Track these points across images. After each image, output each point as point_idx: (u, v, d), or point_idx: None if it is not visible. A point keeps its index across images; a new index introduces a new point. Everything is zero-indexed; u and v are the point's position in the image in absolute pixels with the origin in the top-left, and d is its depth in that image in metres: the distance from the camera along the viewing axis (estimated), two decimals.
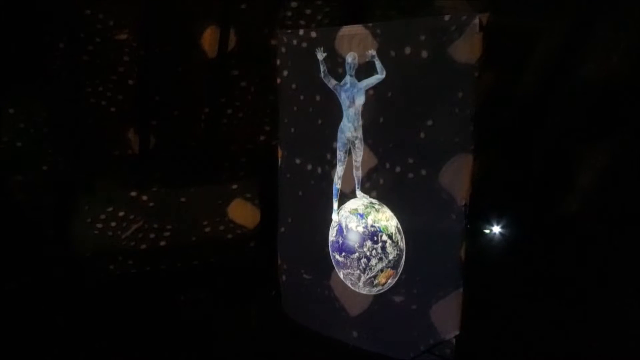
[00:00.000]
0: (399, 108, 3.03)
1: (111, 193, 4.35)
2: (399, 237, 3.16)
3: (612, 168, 3.73)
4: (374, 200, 3.25)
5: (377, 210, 3.24)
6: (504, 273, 3.69)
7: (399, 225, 3.15)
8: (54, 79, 4.15)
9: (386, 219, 3.21)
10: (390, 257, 3.18)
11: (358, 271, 3.27)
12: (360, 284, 3.27)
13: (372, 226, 3.25)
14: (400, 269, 3.14)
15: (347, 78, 3.19)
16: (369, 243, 3.26)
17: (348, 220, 3.35)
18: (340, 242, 3.37)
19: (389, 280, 3.18)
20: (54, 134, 4.22)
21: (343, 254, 3.35)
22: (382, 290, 3.21)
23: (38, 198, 4.23)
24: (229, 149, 4.66)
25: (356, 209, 3.32)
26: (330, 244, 3.42)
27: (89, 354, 3.29)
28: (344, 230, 3.36)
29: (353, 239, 3.32)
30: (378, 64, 3.04)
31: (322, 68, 3.27)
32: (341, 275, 3.36)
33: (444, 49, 2.80)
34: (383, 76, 3.04)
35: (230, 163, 4.67)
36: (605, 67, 3.61)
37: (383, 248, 3.20)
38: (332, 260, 3.41)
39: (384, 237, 3.20)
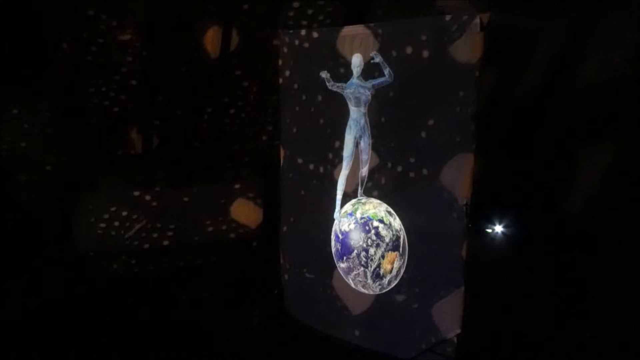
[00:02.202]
0: (401, 108, 3.04)
1: (114, 193, 4.37)
2: (390, 219, 3.18)
3: (613, 167, 3.73)
4: (360, 197, 3.28)
5: (364, 204, 3.28)
6: (506, 272, 3.69)
7: (389, 209, 3.17)
8: (58, 79, 4.16)
9: (374, 207, 3.24)
10: (387, 240, 3.19)
11: (362, 268, 3.28)
12: (369, 281, 3.27)
13: (361, 218, 3.28)
14: (403, 250, 3.14)
15: (353, 79, 3.20)
16: (362, 235, 3.28)
17: (341, 224, 3.39)
18: (339, 247, 3.39)
19: (395, 264, 3.17)
20: (57, 134, 4.23)
21: (344, 257, 3.37)
22: (396, 279, 3.17)
23: (42, 198, 4.24)
24: (232, 149, 4.66)
25: (346, 211, 3.36)
26: (333, 255, 3.44)
27: (91, 353, 3.31)
28: (340, 236, 3.39)
29: (348, 239, 3.35)
30: (386, 68, 3.05)
31: (328, 83, 3.28)
32: (352, 283, 3.35)
33: (445, 49, 2.81)
34: (390, 80, 3.05)
35: (233, 163, 4.68)
36: (606, 67, 3.61)
37: (377, 234, 3.22)
38: (340, 272, 3.41)
39: (375, 223, 3.23)
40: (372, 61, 3.09)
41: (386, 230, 3.20)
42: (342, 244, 3.38)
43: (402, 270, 3.15)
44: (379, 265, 3.23)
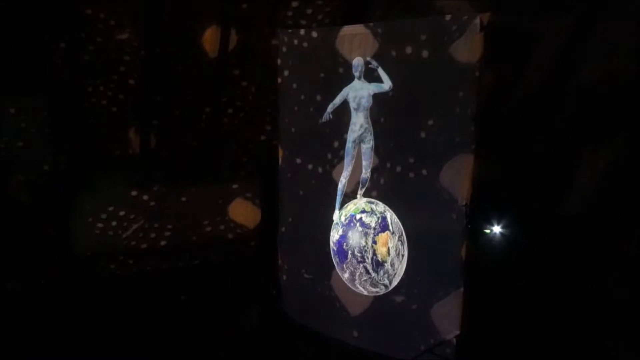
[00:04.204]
0: (400, 108, 3.03)
1: (112, 193, 4.36)
2: (372, 205, 3.19)
3: (612, 167, 3.73)
4: (347, 205, 3.32)
5: (346, 207, 3.33)
6: (505, 273, 3.69)
7: (370, 199, 3.20)
8: (55, 78, 4.14)
9: (354, 204, 3.28)
10: (373, 224, 3.20)
11: (360, 265, 3.27)
12: (373, 274, 3.25)
13: (345, 219, 3.31)
14: (394, 228, 3.13)
15: (355, 82, 3.18)
16: (350, 233, 3.31)
17: (332, 237, 3.41)
18: (337, 259, 3.39)
19: (390, 244, 3.15)
20: (55, 133, 4.22)
21: (344, 265, 3.36)
22: (399, 260, 3.12)
23: (39, 198, 4.23)
24: (230, 149, 4.66)
25: (334, 222, 3.40)
26: (338, 271, 3.43)
27: (89, 353, 3.29)
28: (334, 248, 3.41)
29: (340, 245, 3.37)
30: (384, 76, 3.04)
31: (333, 106, 3.30)
32: (362, 289, 3.31)
33: (445, 49, 2.80)
34: (388, 88, 3.04)
35: (231, 163, 4.68)
36: (605, 67, 3.61)
37: (362, 223, 3.24)
38: (349, 284, 3.37)
39: (358, 216, 3.26)
40: (369, 66, 3.09)
41: (369, 216, 3.22)
42: (338, 253, 3.39)
43: (403, 250, 3.11)
44: (374, 253, 3.22)
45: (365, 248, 3.25)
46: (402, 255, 3.12)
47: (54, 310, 3.72)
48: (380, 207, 3.17)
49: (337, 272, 3.41)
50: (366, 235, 3.24)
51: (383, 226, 3.17)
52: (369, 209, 3.22)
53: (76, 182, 4.30)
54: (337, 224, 3.38)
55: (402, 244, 3.11)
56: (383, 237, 3.18)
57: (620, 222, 3.65)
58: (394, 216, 3.12)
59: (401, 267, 3.13)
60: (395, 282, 3.17)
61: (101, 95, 4.27)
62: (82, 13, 4.06)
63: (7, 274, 3.89)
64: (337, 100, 3.27)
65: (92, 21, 4.09)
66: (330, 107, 3.30)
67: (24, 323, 3.53)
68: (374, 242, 3.21)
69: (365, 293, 3.30)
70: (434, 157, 2.93)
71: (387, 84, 3.04)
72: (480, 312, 3.12)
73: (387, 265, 3.19)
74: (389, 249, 3.17)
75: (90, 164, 4.35)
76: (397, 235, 3.12)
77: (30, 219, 4.17)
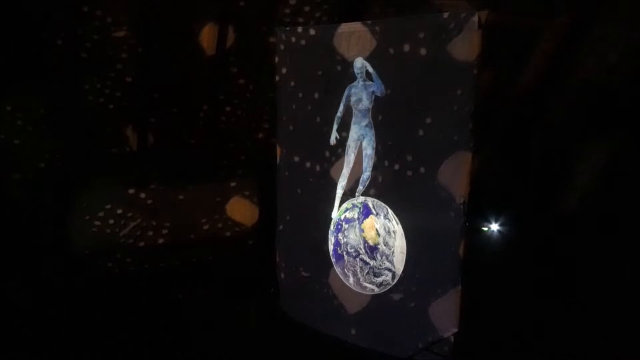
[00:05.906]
0: (398, 106, 3.03)
1: (109, 190, 4.35)
2: (352, 202, 3.24)
3: (610, 166, 3.74)
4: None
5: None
6: (503, 271, 3.69)
7: (350, 197, 3.26)
8: (52, 76, 4.13)
9: (339, 209, 3.33)
10: (356, 216, 3.24)
11: (358, 259, 3.27)
12: (371, 262, 3.23)
13: (334, 226, 3.37)
14: (377, 209, 3.15)
15: (358, 82, 3.17)
16: (339, 236, 3.34)
17: (329, 247, 3.42)
18: (339, 267, 3.39)
19: (377, 225, 3.17)
20: (52, 131, 4.20)
21: (344, 270, 3.36)
22: (392, 237, 3.11)
23: (36, 196, 4.22)
24: (228, 147, 4.65)
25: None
26: (343, 280, 3.43)
27: (87, 352, 3.29)
28: (333, 258, 3.41)
29: (335, 252, 3.38)
30: (377, 80, 3.05)
31: (340, 116, 3.29)
32: (371, 285, 3.28)
33: (443, 47, 2.79)
34: (380, 94, 3.05)
35: (229, 161, 4.67)
36: (604, 66, 3.61)
37: (347, 221, 3.29)
38: (357, 288, 3.34)
39: (342, 217, 3.31)
40: (366, 68, 3.09)
41: (350, 211, 3.26)
42: (337, 261, 3.40)
43: (393, 227, 3.10)
44: (364, 240, 3.23)
45: (356, 240, 3.26)
46: (394, 232, 3.11)
47: (50, 308, 3.71)
48: (359, 199, 3.21)
49: (334, 270, 3.41)
50: (352, 228, 3.26)
51: (366, 213, 3.20)
52: (350, 205, 3.26)
53: (73, 180, 4.29)
54: (329, 234, 3.39)
55: (390, 221, 3.11)
56: (368, 222, 3.20)
57: (619, 220, 3.65)
58: (376, 200, 3.14)
59: (398, 244, 3.11)
60: (398, 264, 3.12)
61: (98, 92, 4.26)
62: (79, 10, 4.05)
63: (2, 272, 3.88)
64: (342, 108, 3.26)
65: (89, 18, 4.08)
66: (336, 123, 3.29)
67: (19, 322, 3.52)
68: (362, 231, 3.23)
69: (377, 290, 3.26)
70: (432, 155, 2.92)
71: (379, 89, 3.04)
72: (478, 310, 3.12)
73: (381, 246, 3.18)
74: (377, 230, 3.17)
75: (87, 162, 4.33)
76: (382, 214, 3.13)
77: (26, 217, 4.16)
